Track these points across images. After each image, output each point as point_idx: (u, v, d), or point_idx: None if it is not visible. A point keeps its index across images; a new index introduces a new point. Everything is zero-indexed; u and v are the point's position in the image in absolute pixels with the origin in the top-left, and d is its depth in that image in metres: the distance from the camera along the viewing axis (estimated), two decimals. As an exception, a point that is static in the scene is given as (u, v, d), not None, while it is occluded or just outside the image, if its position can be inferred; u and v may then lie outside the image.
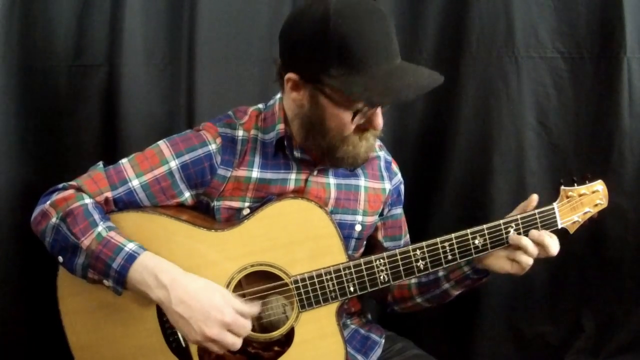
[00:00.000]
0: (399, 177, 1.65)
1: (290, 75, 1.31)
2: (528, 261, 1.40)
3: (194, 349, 1.38)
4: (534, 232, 1.40)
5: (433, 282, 1.57)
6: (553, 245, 1.41)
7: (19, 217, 1.82)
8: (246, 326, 1.29)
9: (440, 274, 1.53)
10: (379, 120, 1.34)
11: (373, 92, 1.22)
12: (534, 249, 1.39)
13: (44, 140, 1.98)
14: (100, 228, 1.30)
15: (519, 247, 1.40)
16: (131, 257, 1.27)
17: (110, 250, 1.27)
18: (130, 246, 1.28)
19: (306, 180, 1.47)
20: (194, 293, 1.26)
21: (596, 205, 1.50)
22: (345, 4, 1.23)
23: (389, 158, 1.65)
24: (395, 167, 1.65)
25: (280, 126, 1.43)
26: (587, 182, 1.50)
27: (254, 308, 1.33)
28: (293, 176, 1.45)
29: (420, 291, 1.61)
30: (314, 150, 1.42)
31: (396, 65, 1.27)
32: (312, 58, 1.26)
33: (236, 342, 1.28)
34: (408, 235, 1.71)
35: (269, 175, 1.44)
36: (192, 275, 1.30)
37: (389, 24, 1.26)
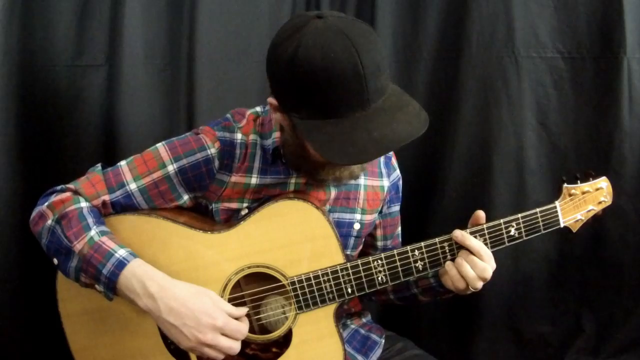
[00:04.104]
0: (397, 172, 1.63)
1: (270, 99, 1.28)
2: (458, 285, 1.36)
3: (192, 350, 1.39)
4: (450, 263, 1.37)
5: (405, 284, 1.56)
6: (470, 276, 1.34)
7: (19, 217, 1.83)
8: (240, 329, 1.29)
9: (411, 278, 1.49)
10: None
11: (331, 147, 1.16)
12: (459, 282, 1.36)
13: (44, 140, 1.99)
14: (92, 232, 1.29)
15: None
16: (121, 264, 1.26)
17: (101, 255, 1.26)
18: (120, 252, 1.27)
19: (306, 184, 1.46)
20: (183, 300, 1.25)
21: (600, 202, 1.47)
22: (316, 43, 1.14)
23: (389, 153, 1.63)
24: (394, 162, 1.63)
25: (277, 134, 1.41)
26: (590, 179, 1.46)
27: (241, 310, 1.32)
28: (293, 180, 1.45)
29: (393, 289, 1.61)
30: (302, 168, 1.40)
31: (371, 110, 1.17)
32: (283, 96, 1.23)
33: (233, 346, 1.27)
34: (400, 228, 1.70)
35: (268, 180, 1.43)
36: (181, 282, 1.29)
37: (369, 60, 1.14)
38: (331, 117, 1.16)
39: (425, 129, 1.20)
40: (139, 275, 1.26)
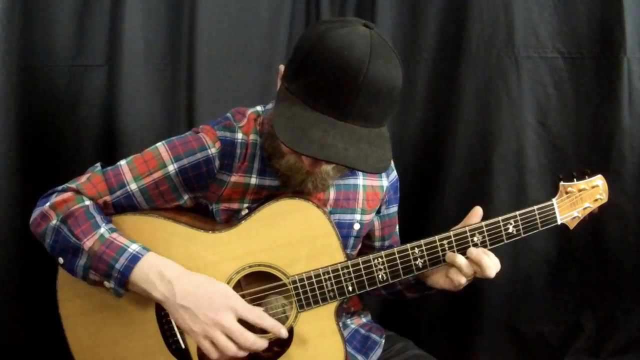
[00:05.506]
0: (395, 173, 1.63)
1: (281, 66, 1.30)
2: (461, 280, 1.37)
3: (193, 350, 1.38)
4: (472, 251, 1.36)
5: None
6: (490, 267, 1.34)
7: (18, 218, 1.83)
8: (255, 311, 1.29)
9: (412, 276, 1.47)
10: (308, 161, 1.26)
11: (284, 122, 1.16)
12: (468, 269, 1.35)
13: (44, 140, 1.99)
14: (102, 230, 1.30)
15: (453, 266, 1.37)
16: (135, 258, 1.27)
17: (114, 251, 1.27)
18: (133, 247, 1.29)
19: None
20: (199, 283, 1.28)
21: (596, 200, 1.49)
22: (345, 37, 1.16)
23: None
24: (392, 162, 1.64)
25: None
26: (586, 177, 1.48)
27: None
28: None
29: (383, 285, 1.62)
30: (266, 148, 1.41)
31: (343, 124, 1.16)
32: (290, 63, 1.24)
33: (243, 332, 1.26)
34: (397, 227, 1.71)
35: (267, 181, 1.43)
36: (196, 273, 1.32)
37: (373, 82, 1.14)
38: (307, 104, 1.17)
39: (374, 172, 1.19)
40: (156, 266, 1.28)
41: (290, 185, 1.39)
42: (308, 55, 1.17)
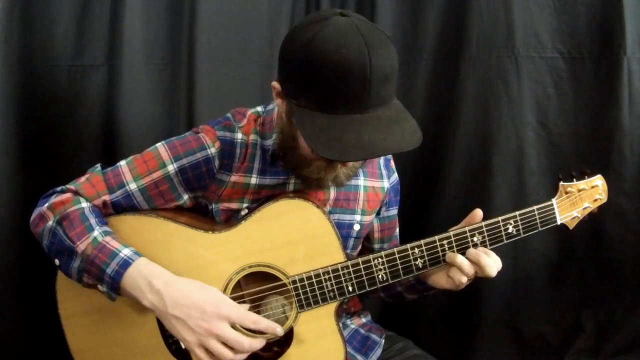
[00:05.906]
0: (395, 175, 1.63)
1: (274, 83, 1.28)
2: (462, 279, 1.37)
3: (193, 350, 1.38)
4: (471, 251, 1.37)
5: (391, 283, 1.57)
6: (490, 266, 1.35)
7: (19, 218, 1.83)
8: (248, 316, 1.27)
9: (411, 276, 1.48)
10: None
11: (319, 139, 1.16)
12: (469, 269, 1.36)
13: (44, 141, 1.99)
14: (96, 233, 1.29)
15: (454, 265, 1.37)
16: (125, 263, 1.26)
17: (106, 255, 1.26)
18: (125, 252, 1.28)
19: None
20: (188, 292, 1.25)
21: (595, 200, 1.50)
22: (334, 36, 1.14)
23: (388, 155, 1.63)
24: (393, 164, 1.64)
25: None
26: (586, 177, 1.49)
27: (244, 305, 1.33)
28: (292, 180, 1.44)
29: (382, 287, 1.60)
30: (286, 162, 1.40)
31: (367, 116, 1.17)
32: (288, 80, 1.23)
33: (238, 339, 1.25)
34: (397, 231, 1.70)
35: (267, 181, 1.43)
36: (185, 278, 1.29)
37: (378, 67, 1.14)
38: (327, 112, 1.16)
39: (416, 146, 1.19)
40: (145, 274, 1.26)
41: (322, 185, 1.39)
42: (307, 67, 1.16)
